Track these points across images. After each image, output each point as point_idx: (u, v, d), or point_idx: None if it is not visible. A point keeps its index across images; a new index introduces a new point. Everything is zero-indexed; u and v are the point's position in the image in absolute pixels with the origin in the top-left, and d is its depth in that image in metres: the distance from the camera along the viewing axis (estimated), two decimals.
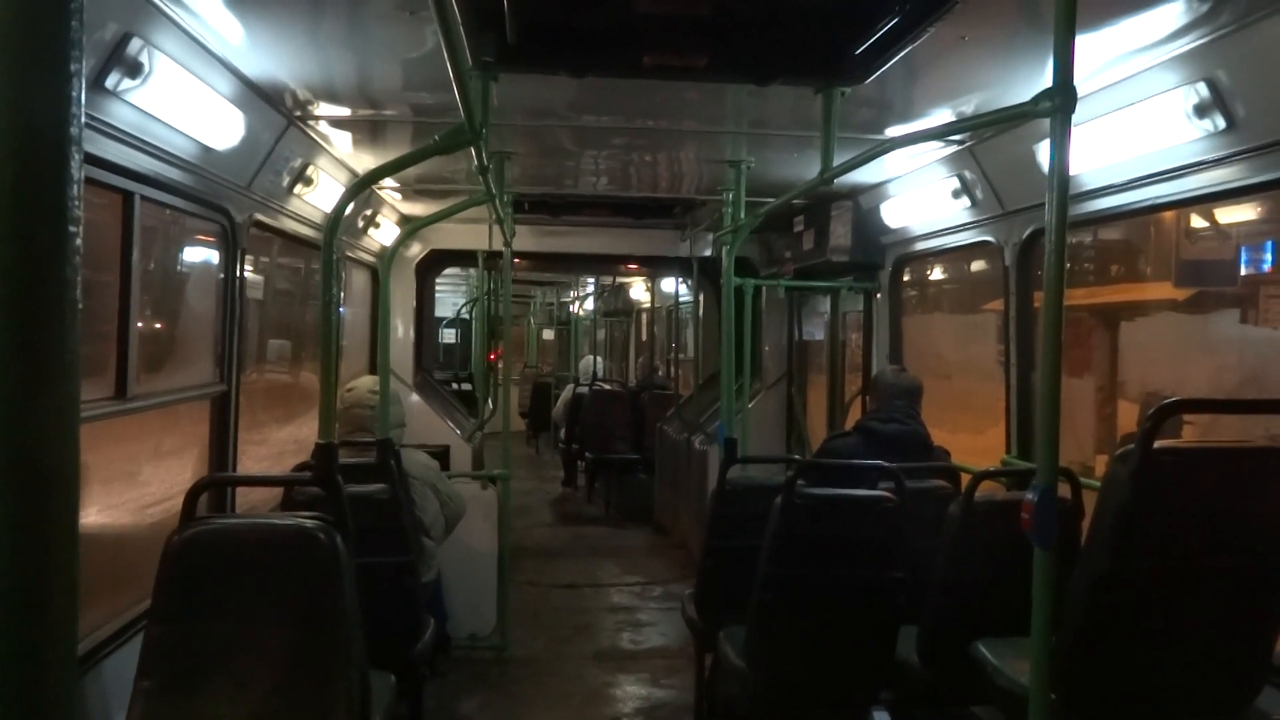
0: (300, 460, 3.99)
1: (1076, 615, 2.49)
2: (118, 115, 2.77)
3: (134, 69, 2.67)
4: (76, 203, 0.61)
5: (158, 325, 4.16)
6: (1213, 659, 2.60)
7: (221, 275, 4.00)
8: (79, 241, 0.61)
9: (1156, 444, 2.39)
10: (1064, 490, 3.10)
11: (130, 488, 4.06)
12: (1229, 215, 5.38)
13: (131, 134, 2.89)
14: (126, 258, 3.13)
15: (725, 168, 5.07)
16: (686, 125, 4.44)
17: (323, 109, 3.96)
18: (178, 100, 3.02)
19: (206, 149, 3.41)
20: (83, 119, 0.61)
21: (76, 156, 0.61)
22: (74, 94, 0.61)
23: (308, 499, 3.36)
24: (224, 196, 3.77)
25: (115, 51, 2.58)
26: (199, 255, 4.32)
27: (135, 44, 2.63)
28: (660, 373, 12.62)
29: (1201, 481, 2.48)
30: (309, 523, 2.60)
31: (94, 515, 3.62)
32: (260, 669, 2.50)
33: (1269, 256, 5.78)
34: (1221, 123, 2.90)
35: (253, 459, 5.05)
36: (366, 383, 4.71)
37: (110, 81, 2.61)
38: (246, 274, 4.18)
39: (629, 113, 4.23)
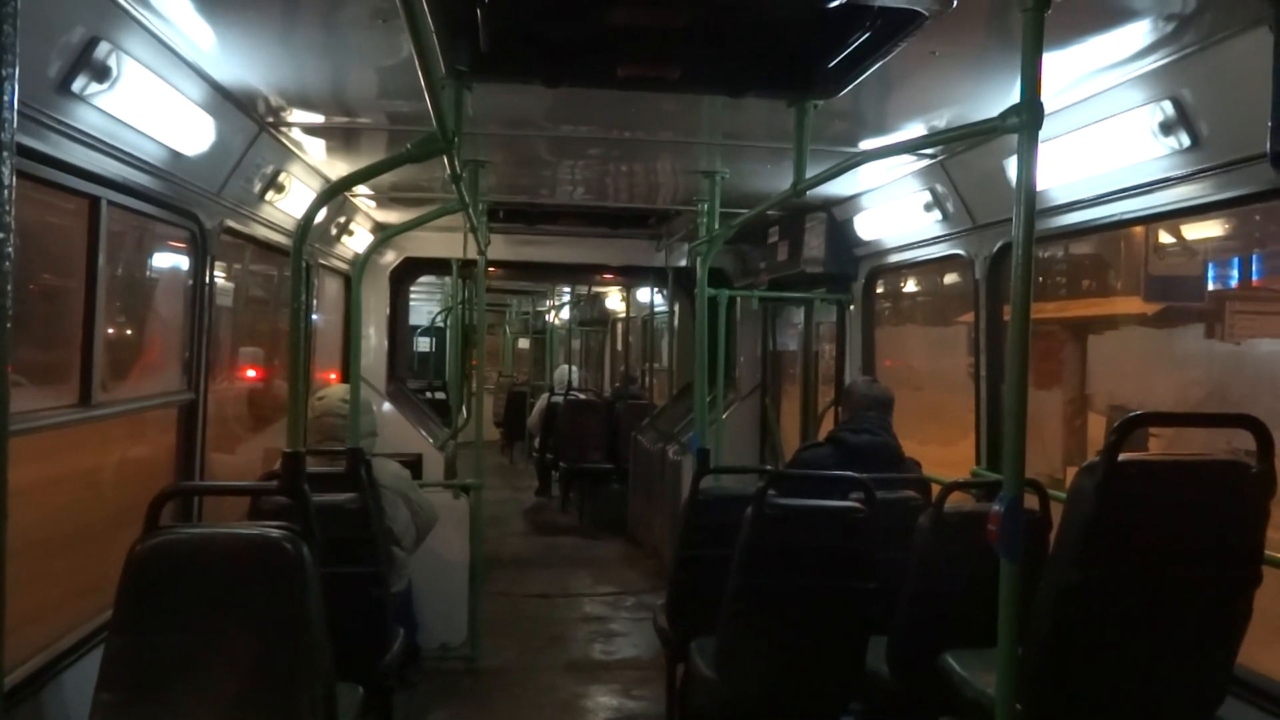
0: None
1: (1043, 626, 2.51)
2: (84, 119, 2.74)
3: (101, 73, 2.64)
4: (8, 209, 0.59)
5: (127, 332, 4.11)
6: (1176, 669, 2.62)
7: (191, 282, 3.96)
8: (10, 249, 0.60)
9: (1122, 456, 2.41)
10: (1032, 502, 3.12)
11: None
12: (1196, 232, 5.46)
13: (99, 138, 2.86)
14: (92, 263, 3.09)
15: (700, 179, 5.09)
16: (662, 136, 4.46)
17: (295, 116, 3.93)
18: (147, 105, 2.99)
19: (176, 154, 3.37)
20: (15, 124, 0.60)
21: (9, 162, 0.60)
22: (5, 98, 0.60)
23: (275, 509, 3.32)
24: (194, 202, 3.74)
25: (82, 55, 2.55)
26: (168, 261, 4.28)
27: (103, 48, 2.60)
28: (635, 383, 12.62)
29: (1166, 493, 2.51)
30: (274, 532, 2.56)
31: None
32: (224, 681, 2.46)
33: (1235, 272, 5.87)
34: (1186, 140, 2.94)
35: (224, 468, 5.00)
36: (337, 391, 4.67)
37: (77, 85, 2.58)
38: (218, 280, 4.15)
39: (605, 123, 4.24)
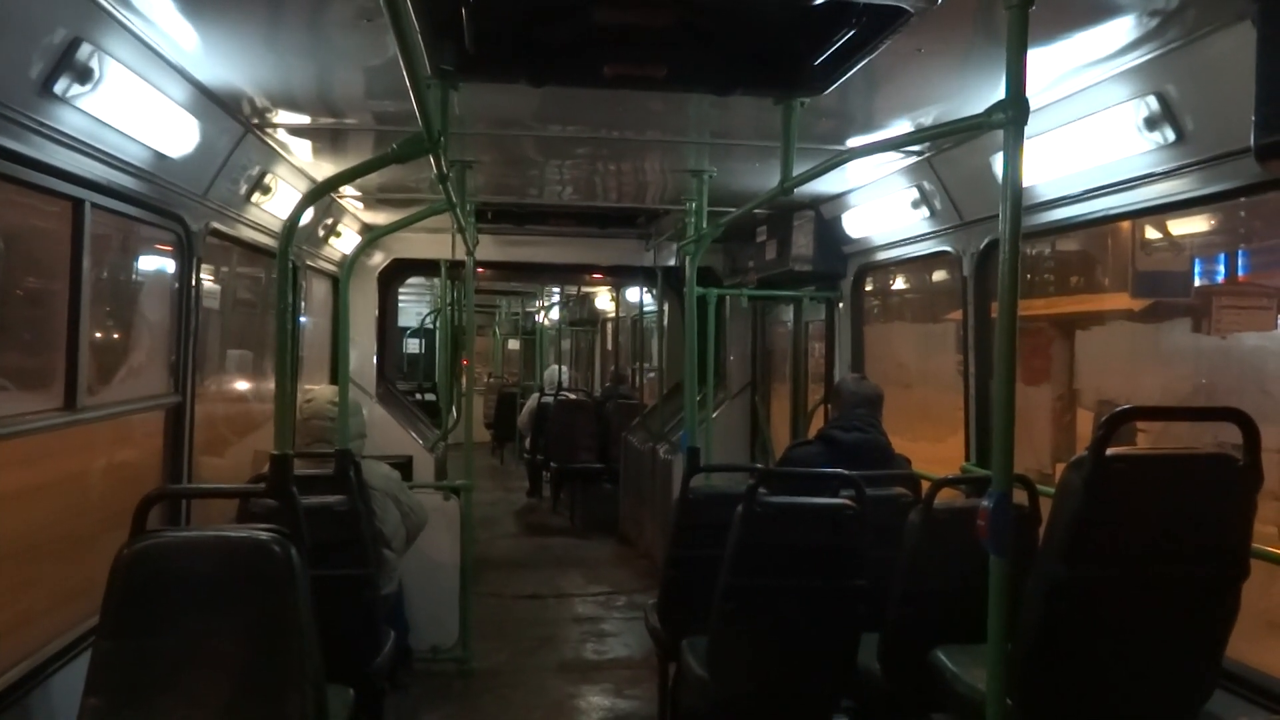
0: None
1: (1032, 622, 2.51)
2: (67, 121, 2.72)
3: (84, 74, 2.62)
4: None
5: (113, 335, 4.08)
6: (1165, 663, 2.63)
7: (177, 284, 3.93)
8: None
9: (1109, 451, 2.42)
10: (1021, 497, 3.13)
11: None
12: (1182, 227, 5.48)
13: (82, 140, 2.84)
14: (76, 266, 3.07)
15: (688, 178, 5.09)
16: (649, 135, 4.45)
17: (281, 117, 3.92)
18: (130, 107, 2.97)
19: (161, 156, 3.35)
20: None
21: None
22: None
23: (264, 511, 3.31)
24: (179, 204, 3.72)
25: (64, 57, 2.53)
26: (154, 264, 4.26)
27: (85, 49, 2.59)
28: (625, 382, 12.61)
29: (1153, 488, 2.52)
30: (263, 535, 2.55)
31: None
32: (212, 685, 2.45)
33: (1221, 268, 5.89)
34: (1171, 135, 2.95)
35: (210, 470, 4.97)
36: (326, 393, 4.65)
37: (59, 87, 2.56)
38: (204, 282, 4.12)
39: (592, 123, 4.24)
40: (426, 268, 7.65)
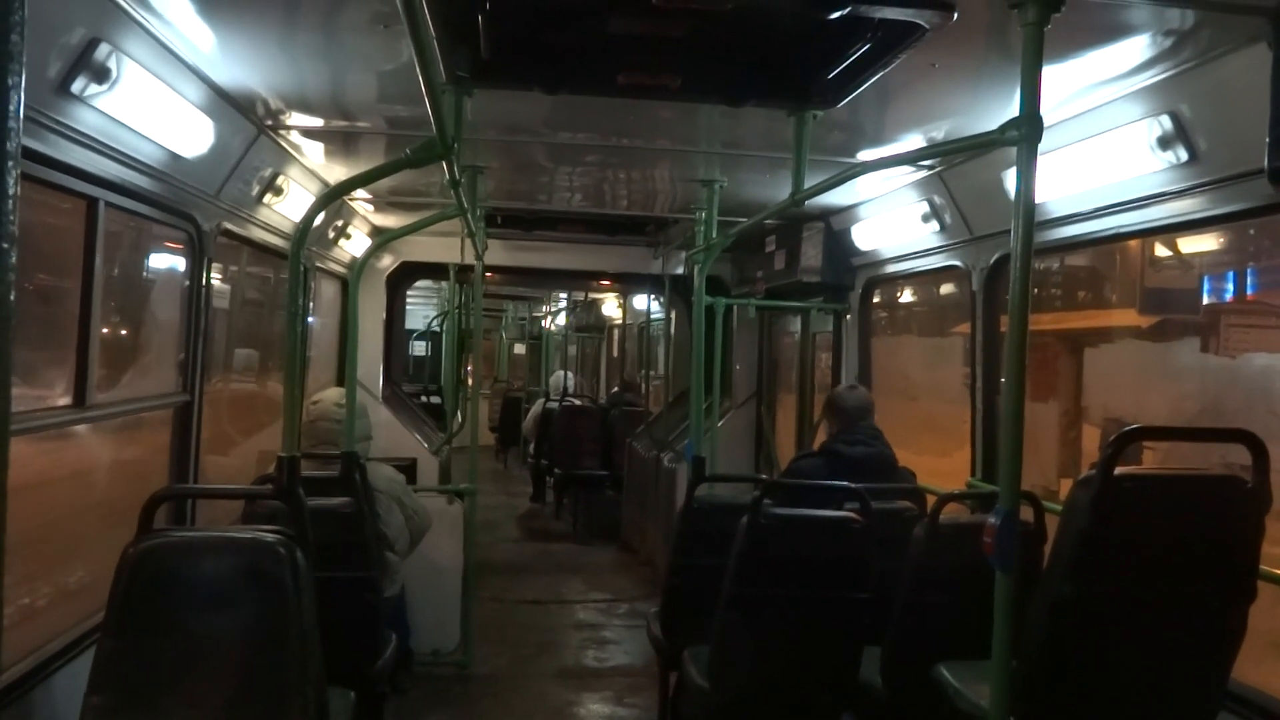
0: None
1: (1036, 639, 2.51)
2: (83, 120, 2.73)
3: (101, 74, 2.64)
4: (11, 218, 0.59)
5: (122, 333, 4.10)
6: (1170, 683, 2.62)
7: (187, 283, 3.95)
8: (13, 258, 0.59)
9: (1117, 470, 2.41)
10: (1027, 514, 3.13)
11: None
12: (1192, 245, 5.47)
13: (97, 139, 2.85)
14: (89, 264, 3.08)
15: (698, 187, 5.09)
16: (660, 144, 4.46)
17: (295, 119, 3.93)
18: (146, 106, 2.99)
19: (174, 156, 3.37)
20: (20, 132, 0.59)
21: (14, 172, 0.59)
22: (11, 107, 0.59)
23: (270, 512, 3.32)
24: (191, 204, 3.73)
25: (82, 56, 2.54)
26: (165, 262, 4.27)
27: (103, 49, 2.60)
28: (632, 389, 12.61)
29: (1160, 508, 2.51)
30: (268, 536, 2.56)
31: None
32: (215, 685, 2.46)
33: (1230, 286, 5.88)
34: (1184, 155, 2.95)
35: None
36: (333, 395, 4.66)
37: (76, 86, 2.58)
38: (214, 282, 4.13)
39: (603, 130, 4.24)
40: (435, 271, 7.67)
